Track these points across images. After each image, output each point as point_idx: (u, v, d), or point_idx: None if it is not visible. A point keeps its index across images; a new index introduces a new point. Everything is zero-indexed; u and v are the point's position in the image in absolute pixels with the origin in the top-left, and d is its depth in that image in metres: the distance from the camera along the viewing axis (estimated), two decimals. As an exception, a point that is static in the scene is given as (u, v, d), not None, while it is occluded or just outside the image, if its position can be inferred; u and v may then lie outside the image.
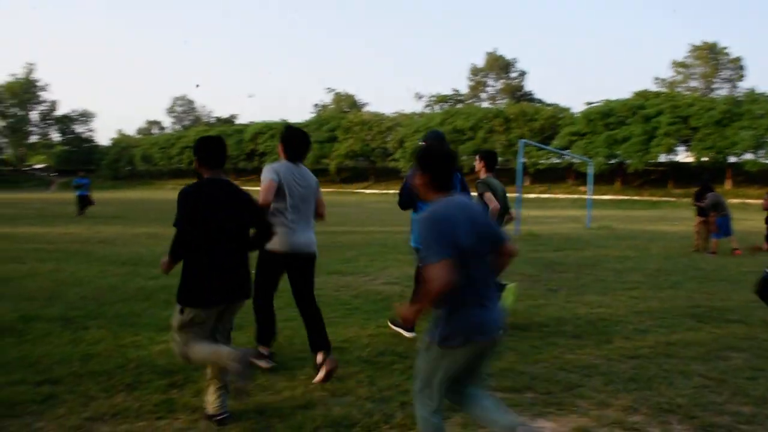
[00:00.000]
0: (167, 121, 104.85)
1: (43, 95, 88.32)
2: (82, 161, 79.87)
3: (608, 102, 54.14)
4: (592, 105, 55.51)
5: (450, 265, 2.59)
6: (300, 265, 4.48)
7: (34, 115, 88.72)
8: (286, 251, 4.36)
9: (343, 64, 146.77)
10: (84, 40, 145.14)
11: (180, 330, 3.55)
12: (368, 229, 18.61)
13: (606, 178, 52.09)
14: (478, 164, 6.71)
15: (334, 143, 69.35)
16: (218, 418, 3.56)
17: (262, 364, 4.35)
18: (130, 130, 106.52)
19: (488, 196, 6.22)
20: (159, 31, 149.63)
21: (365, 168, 72.72)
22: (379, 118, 69.99)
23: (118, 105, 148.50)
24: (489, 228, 2.96)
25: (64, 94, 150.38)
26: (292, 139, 4.59)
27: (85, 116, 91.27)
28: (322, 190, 4.80)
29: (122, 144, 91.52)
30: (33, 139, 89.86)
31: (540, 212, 30.83)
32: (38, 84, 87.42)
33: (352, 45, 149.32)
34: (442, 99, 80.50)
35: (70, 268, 9.40)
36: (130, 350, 4.97)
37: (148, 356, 4.80)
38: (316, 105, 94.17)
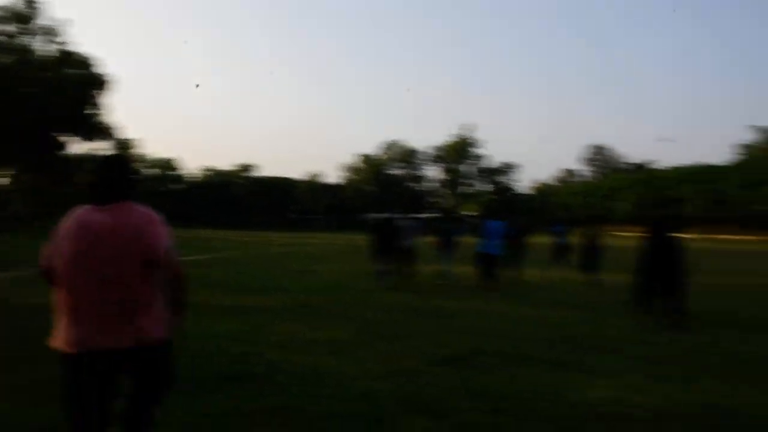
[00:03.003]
0: (583, 170, 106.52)
1: (477, 151, 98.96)
2: (507, 209, 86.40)
3: None
4: None
5: None
6: None
7: (468, 168, 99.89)
8: None
9: (765, 98, 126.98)
10: (506, 96, 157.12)
11: None
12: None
13: None
14: None
15: (765, 186, 60.83)
16: None
17: None
18: (549, 179, 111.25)
19: None
20: (570, 83, 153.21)
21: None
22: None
23: (537, 155, 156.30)
24: None
25: (493, 148, 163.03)
26: None
27: (510, 168, 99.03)
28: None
29: (541, 192, 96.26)
30: (467, 189, 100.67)
31: None
32: (473, 141, 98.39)
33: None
34: None
35: (505, 308, 10.34)
36: (568, 392, 5.16)
37: (586, 401, 4.93)
38: (739, 145, 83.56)
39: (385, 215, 14.68)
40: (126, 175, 2.94)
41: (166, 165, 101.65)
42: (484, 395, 5.06)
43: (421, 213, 73.84)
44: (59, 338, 2.79)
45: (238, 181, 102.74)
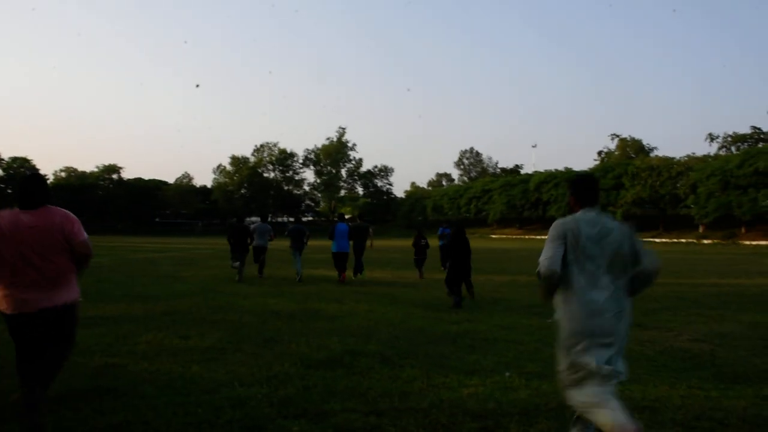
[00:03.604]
0: (455, 174, 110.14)
1: (352, 154, 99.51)
2: (382, 211, 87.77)
3: None
4: None
5: None
6: None
7: (343, 172, 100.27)
8: None
9: (629, 108, 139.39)
10: (382, 101, 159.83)
11: None
12: (664, 281, 17.37)
13: None
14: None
15: (620, 190, 66.43)
16: None
17: None
18: (422, 182, 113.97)
19: None
20: (444, 90, 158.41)
21: (654, 216, 68.00)
22: (668, 162, 65.29)
23: (412, 160, 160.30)
24: None
25: (367, 152, 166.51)
26: None
27: (384, 171, 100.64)
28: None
29: (415, 195, 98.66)
30: (342, 193, 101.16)
31: None
32: (348, 145, 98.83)
33: (636, 87, 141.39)
34: (739, 139, 72.28)
35: (382, 309, 10.43)
36: (442, 391, 5.20)
37: (459, 398, 4.97)
38: (600, 152, 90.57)
39: (236, 219, 17.58)
40: (43, 187, 4.11)
41: (21, 164, 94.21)
42: (363, 396, 5.00)
43: (299, 216, 73.40)
44: (2, 304, 3.99)
45: (103, 183, 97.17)
